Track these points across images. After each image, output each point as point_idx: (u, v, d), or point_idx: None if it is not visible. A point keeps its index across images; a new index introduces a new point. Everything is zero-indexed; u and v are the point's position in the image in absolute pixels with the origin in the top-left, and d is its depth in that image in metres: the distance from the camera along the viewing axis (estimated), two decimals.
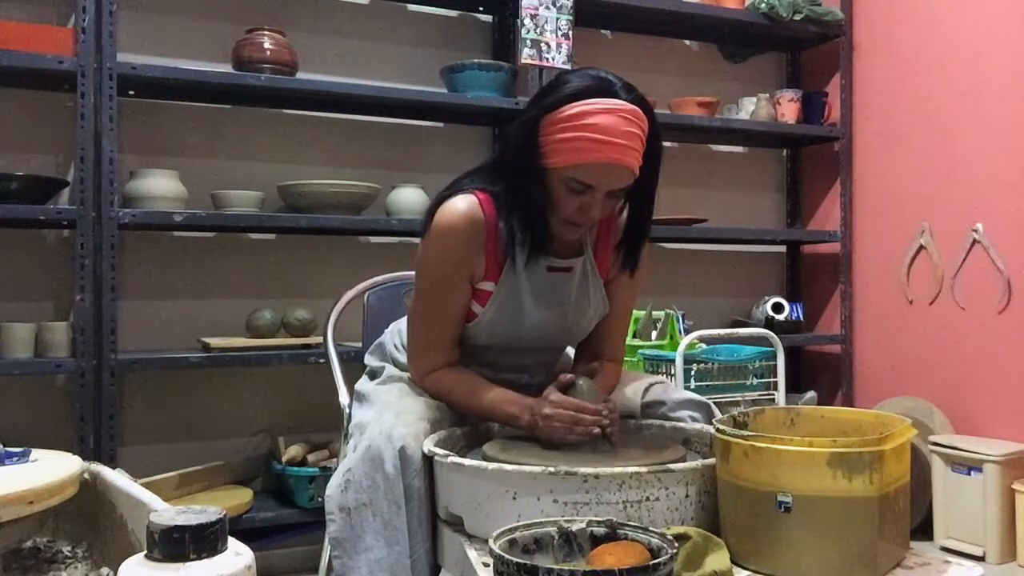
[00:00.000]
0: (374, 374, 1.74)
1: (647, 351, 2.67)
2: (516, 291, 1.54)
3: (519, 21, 2.71)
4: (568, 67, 2.78)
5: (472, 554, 1.23)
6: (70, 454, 1.48)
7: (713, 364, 2.55)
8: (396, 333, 1.76)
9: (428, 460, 1.39)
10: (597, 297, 1.62)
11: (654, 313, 2.81)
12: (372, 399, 1.60)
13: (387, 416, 1.45)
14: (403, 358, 1.69)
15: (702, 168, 3.38)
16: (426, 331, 1.58)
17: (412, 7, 2.91)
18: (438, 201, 1.54)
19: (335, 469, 1.46)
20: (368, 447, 1.39)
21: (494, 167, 1.57)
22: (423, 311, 1.57)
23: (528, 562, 0.97)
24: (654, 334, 2.77)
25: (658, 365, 2.59)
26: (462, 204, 1.51)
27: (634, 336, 2.76)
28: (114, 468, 1.50)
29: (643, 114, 1.43)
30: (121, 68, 2.29)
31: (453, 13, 2.97)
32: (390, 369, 1.70)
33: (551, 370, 1.67)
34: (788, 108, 3.23)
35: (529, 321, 1.56)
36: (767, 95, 3.23)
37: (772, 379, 2.62)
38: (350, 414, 1.71)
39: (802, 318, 3.25)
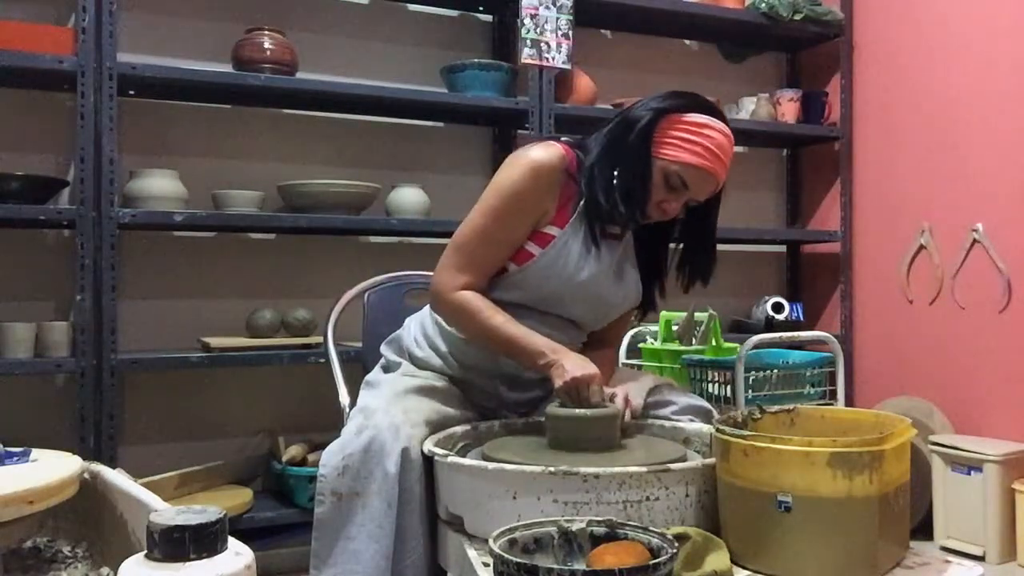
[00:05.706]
0: (388, 367, 1.72)
1: (690, 357, 2.37)
2: (577, 242, 1.59)
3: (519, 21, 2.71)
4: (568, 67, 2.78)
5: (472, 554, 1.23)
6: (70, 454, 1.48)
7: (772, 372, 2.32)
8: (417, 326, 1.73)
9: (428, 460, 1.38)
10: (631, 280, 1.68)
11: (696, 315, 2.47)
12: (384, 386, 1.58)
13: (396, 410, 1.44)
14: (421, 353, 1.67)
15: None
16: (476, 248, 1.57)
17: (412, 7, 2.91)
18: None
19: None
20: (374, 437, 1.38)
21: (596, 140, 1.63)
22: (480, 228, 1.57)
23: (528, 562, 0.97)
24: (694, 339, 2.45)
25: (703, 372, 2.32)
26: (554, 148, 1.59)
27: (674, 340, 2.46)
28: (114, 468, 1.51)
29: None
30: (121, 68, 2.29)
31: (453, 13, 2.97)
32: (407, 367, 1.68)
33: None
34: (788, 108, 3.23)
35: (581, 276, 1.58)
36: (767, 95, 3.23)
37: (829, 387, 2.44)
38: (351, 413, 1.70)
39: (802, 318, 3.25)
